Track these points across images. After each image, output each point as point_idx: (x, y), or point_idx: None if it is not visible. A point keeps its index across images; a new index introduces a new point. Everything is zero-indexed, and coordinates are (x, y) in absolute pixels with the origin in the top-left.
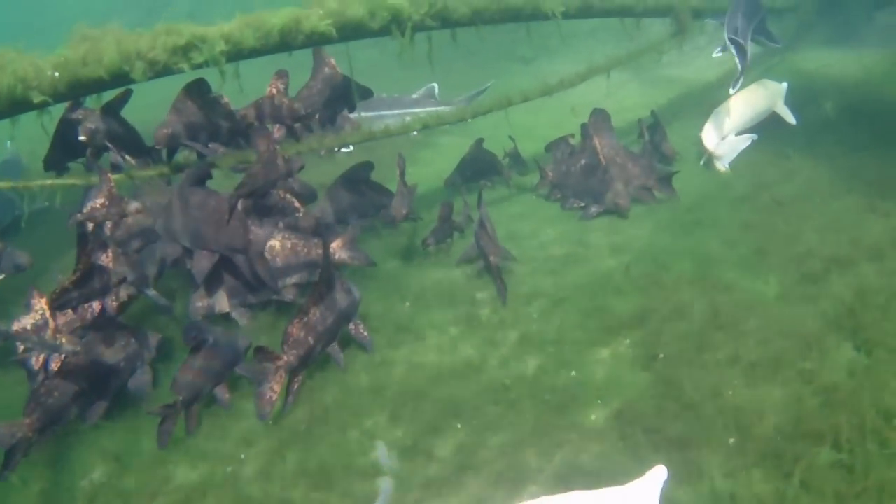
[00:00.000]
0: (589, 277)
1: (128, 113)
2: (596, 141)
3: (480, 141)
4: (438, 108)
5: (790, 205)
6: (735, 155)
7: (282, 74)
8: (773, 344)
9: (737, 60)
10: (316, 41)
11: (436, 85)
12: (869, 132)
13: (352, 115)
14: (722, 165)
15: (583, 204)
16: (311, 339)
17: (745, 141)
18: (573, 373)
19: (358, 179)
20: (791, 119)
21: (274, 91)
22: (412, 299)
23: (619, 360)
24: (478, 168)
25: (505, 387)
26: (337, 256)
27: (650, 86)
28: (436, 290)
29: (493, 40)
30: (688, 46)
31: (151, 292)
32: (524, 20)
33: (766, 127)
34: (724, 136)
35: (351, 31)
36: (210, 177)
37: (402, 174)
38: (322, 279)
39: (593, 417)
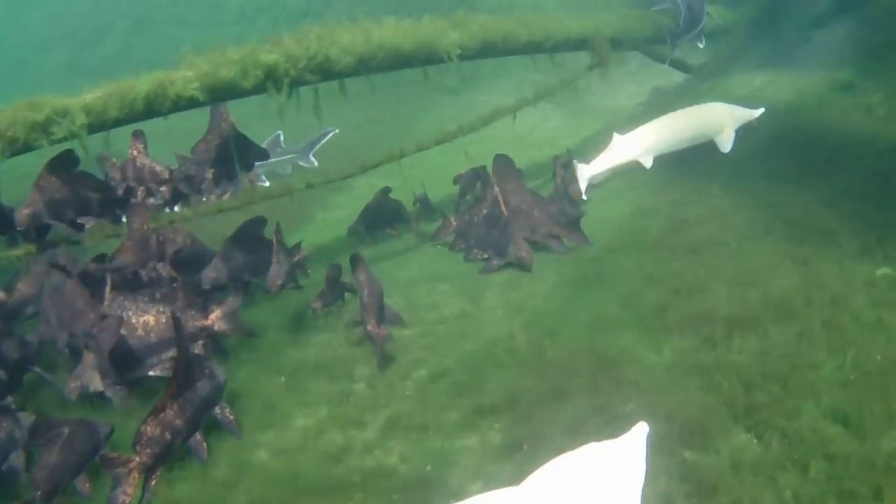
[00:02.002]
0: (474, 345)
1: None
2: (497, 190)
3: (386, 189)
4: (283, 157)
5: (703, 251)
6: (595, 179)
7: (139, 135)
8: (652, 429)
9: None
10: (183, 106)
11: (280, 133)
12: (797, 163)
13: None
14: (582, 191)
15: (486, 256)
16: (168, 436)
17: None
18: (429, 467)
19: (250, 236)
20: (726, 148)
21: (135, 153)
22: (288, 373)
23: (484, 448)
24: (382, 216)
25: (355, 483)
26: (216, 327)
27: (576, 116)
28: (315, 362)
29: (419, 71)
30: (618, 72)
31: (37, 369)
32: (418, 65)
33: (696, 158)
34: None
35: (222, 93)
36: (60, 266)
37: (279, 243)
38: (178, 372)
39: None
